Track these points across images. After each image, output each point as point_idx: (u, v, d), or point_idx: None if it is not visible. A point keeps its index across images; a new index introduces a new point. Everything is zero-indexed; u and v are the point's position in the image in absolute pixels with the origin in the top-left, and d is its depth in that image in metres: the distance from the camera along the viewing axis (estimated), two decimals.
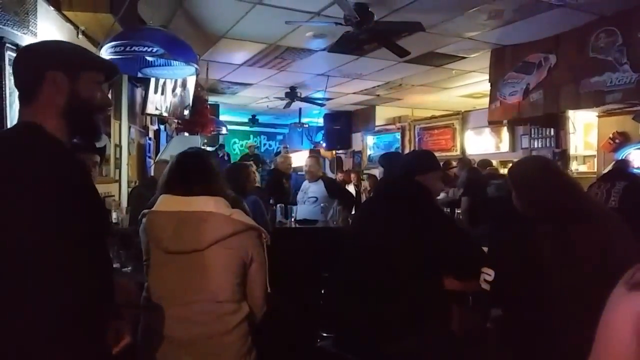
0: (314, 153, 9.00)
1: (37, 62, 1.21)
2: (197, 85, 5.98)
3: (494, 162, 6.63)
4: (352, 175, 8.53)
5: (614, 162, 5.34)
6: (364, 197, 6.99)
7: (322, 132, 11.34)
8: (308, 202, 4.73)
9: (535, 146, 7.04)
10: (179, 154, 1.90)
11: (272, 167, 9.74)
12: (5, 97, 2.32)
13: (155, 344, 1.58)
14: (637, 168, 5.50)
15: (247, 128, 12.70)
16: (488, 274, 1.77)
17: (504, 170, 6.38)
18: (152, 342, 1.59)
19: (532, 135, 7.07)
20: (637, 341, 0.72)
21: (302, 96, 8.37)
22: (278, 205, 4.45)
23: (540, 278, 1.61)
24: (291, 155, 6.74)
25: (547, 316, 1.59)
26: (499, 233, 2.04)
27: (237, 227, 1.66)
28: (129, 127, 5.04)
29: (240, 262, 1.65)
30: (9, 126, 2.21)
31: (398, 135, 9.69)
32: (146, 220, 1.76)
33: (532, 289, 1.63)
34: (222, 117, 9.65)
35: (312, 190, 4.79)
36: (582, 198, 1.80)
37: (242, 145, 12.89)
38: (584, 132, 6.67)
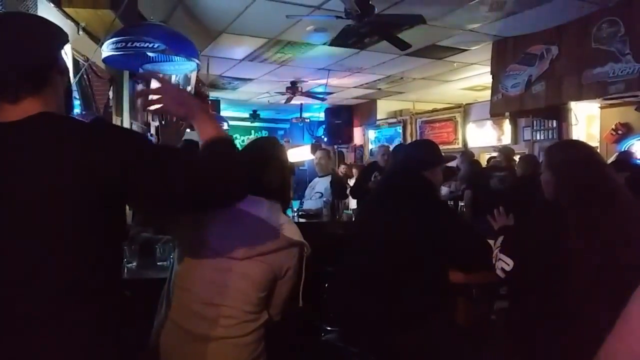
0: (316, 147, 8.97)
1: (49, 44, 1.06)
2: (198, 81, 5.96)
3: (496, 155, 6.60)
4: (354, 170, 8.52)
5: (616, 154, 5.34)
6: None
7: (324, 126, 11.32)
8: (314, 197, 4.74)
9: (538, 138, 7.04)
10: (249, 142, 1.76)
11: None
12: None
13: (172, 334, 1.56)
14: None
15: (248, 123, 12.68)
16: (506, 263, 1.74)
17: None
18: (169, 332, 1.57)
19: (535, 127, 7.07)
20: None
21: (303, 91, 8.35)
22: None
23: (564, 267, 1.59)
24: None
25: (567, 306, 1.58)
26: (521, 221, 2.01)
27: (281, 244, 1.58)
28: (131, 124, 5.03)
29: (271, 277, 1.60)
30: None
31: (400, 129, 9.67)
32: None
33: (555, 278, 1.61)
34: (222, 113, 9.65)
35: (318, 186, 4.81)
36: (619, 190, 1.72)
37: (243, 141, 12.89)
38: (587, 123, 6.66)
